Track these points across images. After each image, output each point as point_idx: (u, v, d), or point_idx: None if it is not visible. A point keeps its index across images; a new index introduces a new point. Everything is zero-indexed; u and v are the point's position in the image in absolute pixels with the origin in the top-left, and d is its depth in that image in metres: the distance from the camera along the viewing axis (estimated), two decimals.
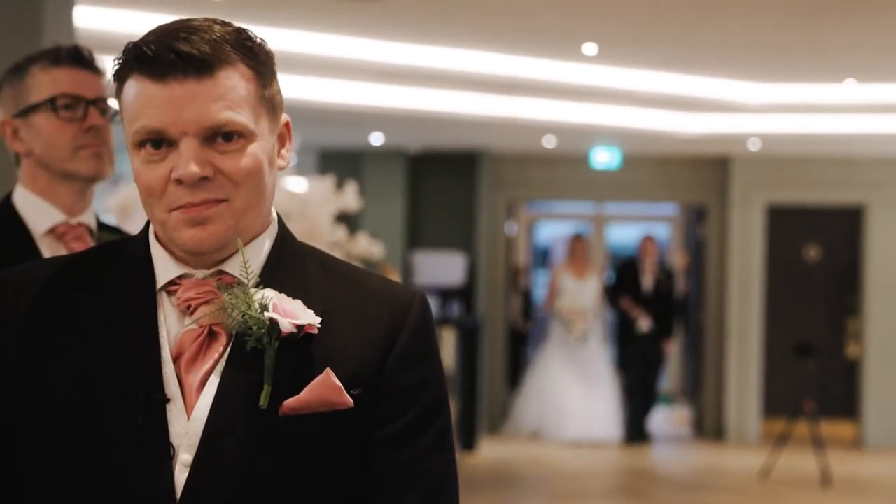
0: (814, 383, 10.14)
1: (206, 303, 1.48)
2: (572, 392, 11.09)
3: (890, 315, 11.46)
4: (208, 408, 1.44)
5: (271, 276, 1.51)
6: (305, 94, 8.74)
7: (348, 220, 11.14)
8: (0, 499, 1.48)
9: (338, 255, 6.21)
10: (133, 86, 1.46)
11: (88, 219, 2.43)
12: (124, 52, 1.47)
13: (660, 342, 11.33)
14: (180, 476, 1.43)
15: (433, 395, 1.54)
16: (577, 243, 11.71)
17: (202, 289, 1.49)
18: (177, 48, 1.43)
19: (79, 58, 2.38)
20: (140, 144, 1.46)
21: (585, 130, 10.44)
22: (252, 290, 1.48)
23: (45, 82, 2.35)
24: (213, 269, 1.50)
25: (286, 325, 1.44)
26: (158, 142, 1.45)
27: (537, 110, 9.62)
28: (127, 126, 1.47)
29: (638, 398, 11.25)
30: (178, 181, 1.44)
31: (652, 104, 9.48)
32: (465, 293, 11.75)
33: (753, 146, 11.10)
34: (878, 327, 11.46)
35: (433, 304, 10.31)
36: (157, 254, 1.53)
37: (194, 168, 1.43)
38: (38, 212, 2.37)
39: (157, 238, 1.54)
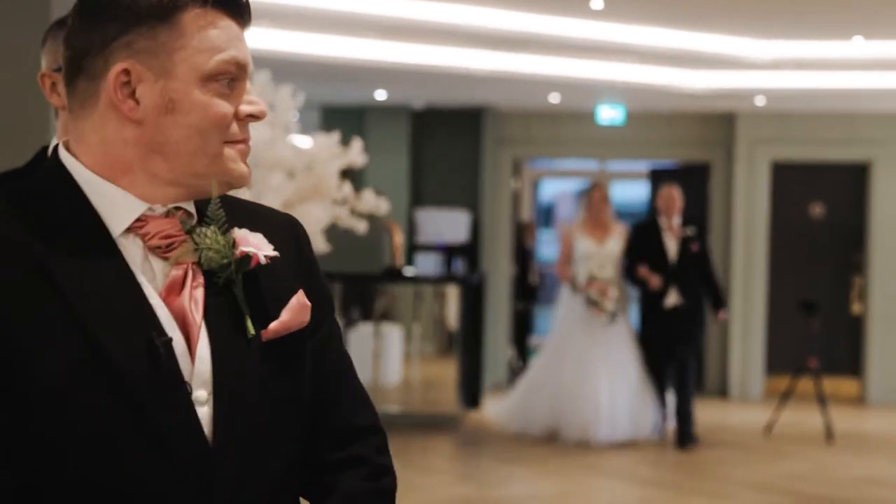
0: (818, 341, 10.15)
1: (182, 241, 1.52)
2: (595, 382, 8.99)
3: (894, 272, 11.45)
4: (207, 343, 1.50)
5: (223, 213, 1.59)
6: (309, 49, 8.69)
7: (352, 177, 11.13)
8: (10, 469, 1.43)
9: (344, 211, 6.18)
10: (212, 18, 1.50)
11: None
12: None
13: (715, 314, 9.39)
14: (199, 411, 1.48)
15: (331, 295, 1.73)
16: (596, 194, 9.40)
17: (175, 227, 1.52)
18: None
19: None
20: (213, 77, 1.49)
21: (591, 87, 10.38)
22: (215, 228, 1.54)
23: None
24: (172, 205, 1.53)
25: (261, 258, 1.53)
26: (231, 80, 1.51)
27: (543, 66, 9.56)
28: (198, 56, 1.48)
29: (665, 388, 9.23)
30: (250, 117, 1.53)
31: (658, 60, 9.42)
32: (469, 250, 11.74)
33: (759, 103, 11.05)
34: (882, 285, 11.46)
35: (438, 261, 10.34)
36: (113, 193, 1.50)
37: (264, 107, 1.56)
38: None
39: (100, 176, 1.51)
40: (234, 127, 1.51)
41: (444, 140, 12.02)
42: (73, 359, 1.41)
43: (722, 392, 11.70)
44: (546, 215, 16.56)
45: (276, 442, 1.54)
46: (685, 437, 9.00)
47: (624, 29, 8.46)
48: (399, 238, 10.24)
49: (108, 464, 1.42)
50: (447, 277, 10.32)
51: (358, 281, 10.16)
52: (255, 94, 1.55)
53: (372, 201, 5.82)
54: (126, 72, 1.47)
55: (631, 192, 15.35)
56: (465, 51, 9.15)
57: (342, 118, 11.45)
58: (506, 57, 9.31)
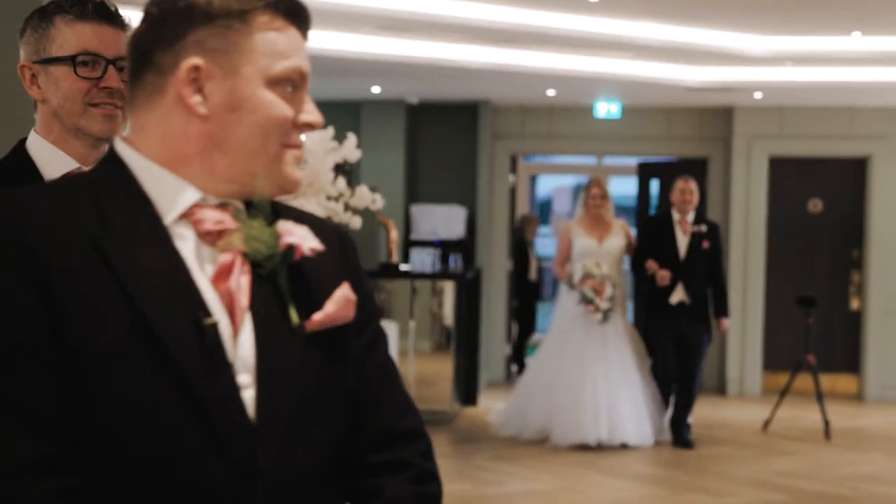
0: (816, 337, 10.11)
1: (232, 230, 1.55)
2: (593, 384, 8.59)
3: (893, 267, 11.40)
4: (251, 329, 1.53)
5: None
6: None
7: (347, 173, 11.06)
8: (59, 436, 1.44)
9: (339, 207, 6.13)
10: (280, 25, 1.56)
11: None
12: None
13: (716, 321, 8.94)
14: (244, 394, 1.51)
15: (375, 302, 1.77)
16: (595, 191, 9.00)
17: (227, 216, 1.55)
18: (306, 5, 1.59)
19: (105, 13, 2.35)
20: (278, 81, 1.54)
21: (588, 82, 10.32)
22: (261, 220, 1.57)
23: (69, 37, 2.32)
24: (223, 199, 1.58)
25: (306, 250, 1.56)
26: (295, 86, 1.58)
27: (539, 61, 9.50)
28: (266, 59, 1.54)
29: (670, 390, 8.89)
30: (307, 126, 1.59)
31: (656, 55, 9.37)
32: (465, 246, 11.67)
33: (758, 98, 11.00)
34: (880, 281, 11.41)
35: (434, 257, 10.27)
36: (169, 180, 1.55)
37: (321, 118, 1.62)
38: (51, 158, 2.35)
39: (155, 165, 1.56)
40: (294, 132, 1.57)
41: (441, 135, 11.95)
42: (123, 335, 1.44)
43: (720, 389, 11.65)
44: (542, 210, 16.49)
45: (316, 432, 1.57)
46: (679, 443, 8.79)
47: (621, 23, 8.41)
48: (395, 234, 10.19)
49: (151, 439, 1.45)
50: (443, 274, 10.25)
51: None
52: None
53: (367, 197, 5.77)
54: (196, 68, 1.52)
55: (627, 187, 15.31)
56: (460, 46, 9.09)
57: (337, 113, 11.39)
58: (504, 52, 9.26)
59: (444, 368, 9.99)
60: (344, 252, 1.68)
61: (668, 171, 12.13)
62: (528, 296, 12.69)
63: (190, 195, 1.54)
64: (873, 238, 11.43)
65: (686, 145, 12.06)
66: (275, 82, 1.54)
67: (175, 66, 1.52)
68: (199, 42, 1.52)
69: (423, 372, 9.95)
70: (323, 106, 7.95)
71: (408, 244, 11.52)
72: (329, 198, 5.96)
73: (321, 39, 8.69)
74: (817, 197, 11.72)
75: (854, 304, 11.60)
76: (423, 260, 10.20)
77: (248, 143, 1.53)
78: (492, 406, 9.98)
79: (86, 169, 2.32)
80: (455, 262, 10.48)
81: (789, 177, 11.69)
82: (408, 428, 1.69)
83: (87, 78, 2.31)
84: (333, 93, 11.21)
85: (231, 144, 1.53)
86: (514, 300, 12.57)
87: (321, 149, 5.68)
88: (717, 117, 11.83)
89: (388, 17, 7.90)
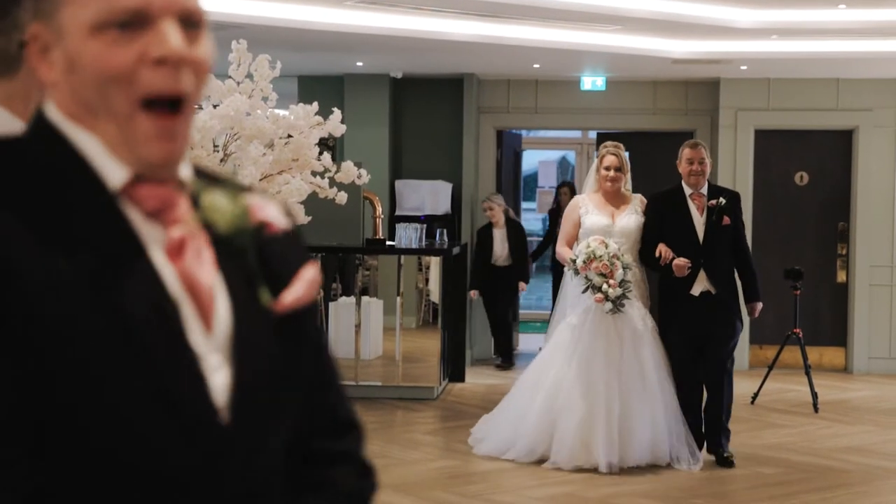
0: (803, 310, 10.09)
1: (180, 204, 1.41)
2: (607, 399, 7.19)
3: (879, 240, 11.39)
4: (226, 309, 1.41)
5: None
6: (286, 16, 8.54)
7: (330, 148, 10.97)
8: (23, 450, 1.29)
9: (324, 182, 6.05)
10: None
11: None
12: None
13: (749, 306, 7.72)
14: (214, 376, 1.38)
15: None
16: (609, 159, 7.56)
17: (169, 190, 1.40)
18: None
19: None
20: (99, 28, 1.34)
21: (574, 55, 10.23)
22: (230, 192, 1.44)
23: None
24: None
25: (281, 226, 1.46)
26: (126, 24, 1.34)
27: (525, 34, 9.42)
28: (80, 8, 1.35)
29: (698, 409, 7.51)
30: (159, 62, 1.34)
31: (642, 28, 9.29)
32: (451, 221, 11.60)
33: (744, 70, 10.95)
34: (866, 253, 11.39)
35: (420, 232, 10.21)
36: (100, 150, 1.38)
37: (182, 44, 1.35)
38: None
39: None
40: (148, 76, 1.34)
41: (425, 109, 11.87)
42: (87, 319, 1.30)
43: None
44: (527, 185, 16.42)
45: (283, 420, 1.47)
46: (719, 463, 7.45)
47: None
48: (380, 209, 10.12)
49: (117, 433, 1.30)
50: (429, 249, 10.19)
51: (338, 253, 10.04)
52: (206, 44, 1.38)
53: (353, 171, 5.71)
54: (37, 35, 1.38)
55: None
56: (445, 19, 9.01)
57: (321, 87, 11.29)
58: (487, 24, 9.17)
59: (430, 345, 9.94)
60: (295, 229, 1.54)
61: (635, 142, 12.03)
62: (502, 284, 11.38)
63: (120, 170, 1.37)
64: (860, 210, 11.41)
65: (672, 118, 12.01)
66: (97, 30, 1.34)
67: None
68: (35, 7, 1.39)
69: (410, 348, 9.90)
70: (306, 80, 7.80)
71: (393, 220, 11.45)
72: (315, 173, 5.88)
73: (304, 14, 8.59)
74: (803, 169, 11.68)
75: (841, 276, 11.58)
76: (408, 235, 10.13)
77: (100, 105, 1.36)
78: (479, 381, 9.93)
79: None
80: (441, 237, 10.41)
81: (775, 149, 11.65)
82: (351, 417, 1.60)
83: None
84: (316, 67, 11.10)
85: (90, 108, 1.37)
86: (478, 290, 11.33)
87: (306, 123, 5.62)
88: (703, 90, 11.77)
89: None
